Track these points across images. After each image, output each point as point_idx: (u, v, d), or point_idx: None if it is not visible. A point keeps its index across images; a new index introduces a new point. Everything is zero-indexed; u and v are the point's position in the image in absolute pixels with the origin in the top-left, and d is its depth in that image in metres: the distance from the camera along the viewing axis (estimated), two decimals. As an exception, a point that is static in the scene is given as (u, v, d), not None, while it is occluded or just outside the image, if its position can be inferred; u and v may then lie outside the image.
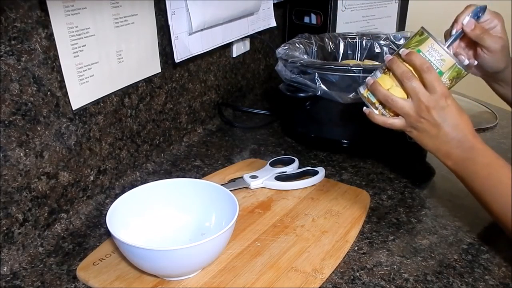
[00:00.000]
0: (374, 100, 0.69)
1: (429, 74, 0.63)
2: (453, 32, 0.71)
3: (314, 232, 0.70)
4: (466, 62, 0.69)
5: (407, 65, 0.65)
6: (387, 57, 0.68)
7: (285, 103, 1.05)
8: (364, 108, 0.70)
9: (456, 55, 0.67)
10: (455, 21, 0.72)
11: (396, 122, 0.67)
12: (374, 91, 0.68)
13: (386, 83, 0.67)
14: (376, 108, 0.69)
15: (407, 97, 0.66)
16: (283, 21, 1.37)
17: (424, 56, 0.65)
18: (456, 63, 0.65)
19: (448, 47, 0.69)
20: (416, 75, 0.65)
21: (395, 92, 0.66)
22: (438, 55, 0.65)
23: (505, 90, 0.78)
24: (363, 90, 0.71)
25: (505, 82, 0.77)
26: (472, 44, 0.74)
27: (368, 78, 0.69)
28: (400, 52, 0.66)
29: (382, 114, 0.69)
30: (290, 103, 1.01)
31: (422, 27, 0.66)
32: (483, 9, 0.71)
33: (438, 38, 0.66)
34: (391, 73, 0.67)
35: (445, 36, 0.73)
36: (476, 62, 0.74)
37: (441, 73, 0.65)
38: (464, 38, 0.72)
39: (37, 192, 0.67)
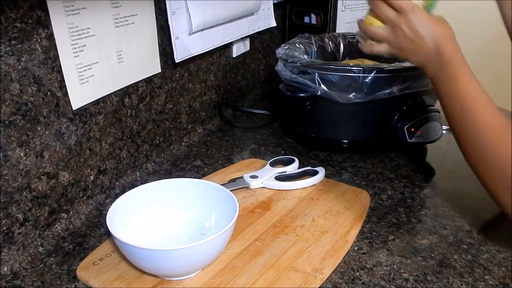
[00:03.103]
0: (365, 35, 0.77)
1: None
2: None
3: (314, 232, 0.70)
4: None
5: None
6: None
7: (285, 103, 1.05)
8: (359, 44, 0.79)
9: None
10: None
11: (381, 48, 0.73)
12: (359, 27, 0.76)
13: (368, 19, 0.75)
14: (366, 41, 0.77)
15: (384, 25, 0.71)
16: (283, 21, 1.37)
17: None
18: None
19: None
20: (385, 3, 0.70)
21: (376, 23, 0.73)
22: None
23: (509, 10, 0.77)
24: (358, 31, 0.78)
25: None
26: None
27: (358, 19, 0.77)
28: None
29: (371, 45, 0.76)
30: (290, 103, 1.01)
31: None
32: None
33: None
34: (370, 11, 0.75)
35: None
36: None
37: None
38: None
39: (37, 192, 0.67)
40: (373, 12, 0.74)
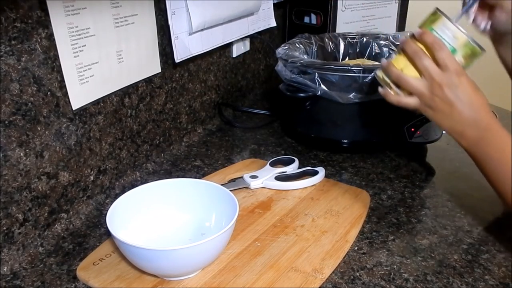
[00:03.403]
0: (389, 81, 0.70)
1: (441, 52, 0.63)
2: None
3: (314, 232, 0.70)
4: (483, 26, 0.70)
5: (419, 44, 0.66)
6: (402, 38, 0.68)
7: (285, 103, 1.05)
8: (380, 88, 0.71)
9: (474, 19, 0.67)
10: None
11: (410, 101, 0.67)
12: (387, 71, 0.69)
13: (400, 64, 0.68)
14: (391, 88, 0.70)
15: (420, 76, 0.66)
16: (283, 21, 1.37)
17: (436, 34, 0.65)
18: (469, 40, 0.65)
19: (463, 14, 0.69)
20: (428, 54, 0.65)
21: (408, 72, 0.67)
22: (450, 33, 0.65)
23: (508, 54, 0.77)
24: (379, 72, 0.72)
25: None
26: (487, 6, 0.73)
27: (384, 60, 0.71)
28: (414, 32, 0.67)
29: (397, 95, 0.69)
30: (290, 103, 1.01)
31: (436, 8, 0.68)
32: None
33: (451, 16, 0.66)
34: (404, 54, 0.68)
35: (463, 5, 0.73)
36: (488, 27, 0.73)
37: (454, 51, 0.65)
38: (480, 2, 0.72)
39: (37, 192, 0.67)
40: (405, 55, 0.67)
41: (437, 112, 0.65)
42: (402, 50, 0.68)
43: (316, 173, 0.84)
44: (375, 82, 0.86)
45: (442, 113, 0.65)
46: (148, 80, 0.87)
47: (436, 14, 0.66)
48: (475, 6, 0.71)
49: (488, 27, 0.73)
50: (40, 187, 0.68)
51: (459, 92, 0.63)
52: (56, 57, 0.67)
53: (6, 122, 0.61)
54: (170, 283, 0.60)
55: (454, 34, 0.64)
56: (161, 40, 0.88)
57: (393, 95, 0.69)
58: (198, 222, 0.68)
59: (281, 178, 0.83)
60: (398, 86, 0.69)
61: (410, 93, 0.67)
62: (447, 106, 0.64)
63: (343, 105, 0.88)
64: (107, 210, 0.61)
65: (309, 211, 0.76)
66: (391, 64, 0.68)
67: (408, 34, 0.68)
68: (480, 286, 0.61)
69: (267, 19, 1.21)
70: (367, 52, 1.12)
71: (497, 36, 0.76)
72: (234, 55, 1.17)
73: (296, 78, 0.92)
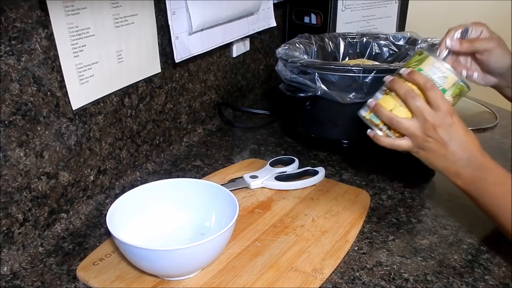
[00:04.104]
0: (377, 121, 0.68)
1: (433, 92, 0.63)
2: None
3: (314, 232, 0.70)
4: (464, 73, 0.71)
5: (409, 84, 0.65)
6: (387, 77, 0.67)
7: (285, 103, 1.05)
8: (368, 131, 0.70)
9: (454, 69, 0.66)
10: (440, 44, 0.72)
11: (403, 143, 0.66)
12: (377, 112, 0.67)
13: (389, 104, 0.66)
14: (380, 130, 0.68)
15: (412, 117, 0.65)
16: (283, 21, 1.37)
17: (426, 75, 0.64)
18: (459, 80, 0.64)
19: (448, 56, 0.70)
20: (420, 94, 0.64)
21: (399, 113, 0.65)
22: (440, 73, 0.64)
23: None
24: (364, 113, 0.70)
25: None
26: (472, 57, 0.74)
27: (370, 100, 0.69)
28: (401, 72, 0.66)
29: (387, 136, 0.68)
30: (290, 103, 1.01)
31: (420, 48, 0.66)
32: (466, 30, 0.72)
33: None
34: (393, 94, 0.66)
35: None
36: (476, 74, 0.74)
37: (444, 91, 0.64)
38: (459, 56, 0.74)
39: (37, 192, 0.67)
40: (394, 95, 0.66)
41: (430, 153, 0.65)
42: (390, 90, 0.67)
43: (316, 173, 0.84)
44: (375, 82, 0.87)
45: (436, 154, 0.64)
46: (148, 80, 0.87)
47: (422, 53, 0.66)
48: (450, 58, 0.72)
49: (474, 75, 0.74)
50: (40, 187, 0.68)
51: (453, 132, 0.63)
52: (56, 57, 0.67)
53: (6, 122, 0.61)
54: (170, 283, 0.60)
55: (444, 74, 0.64)
56: (161, 40, 0.88)
57: (384, 137, 0.68)
58: (198, 222, 0.68)
59: (281, 178, 0.83)
60: (388, 127, 0.67)
61: (401, 134, 0.67)
62: (441, 146, 0.63)
63: (343, 105, 0.88)
64: (107, 210, 0.61)
65: (309, 211, 0.76)
66: (380, 105, 0.67)
67: (394, 74, 0.67)
68: (480, 286, 0.61)
69: (267, 19, 1.21)
70: (367, 52, 1.12)
71: (499, 77, 0.75)
72: (234, 55, 1.17)
73: (296, 78, 0.92)
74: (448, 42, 0.71)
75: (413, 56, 0.67)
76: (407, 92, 0.64)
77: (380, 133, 0.68)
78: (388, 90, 0.67)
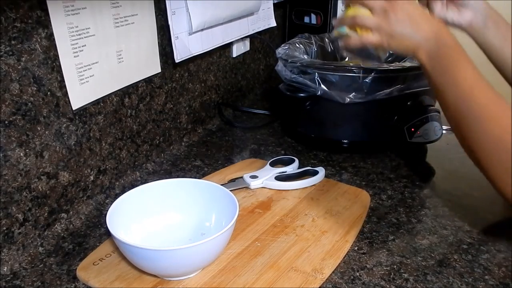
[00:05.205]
0: (345, 31, 0.72)
1: None
2: None
3: (314, 232, 0.70)
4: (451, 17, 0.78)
5: None
6: None
7: (285, 103, 1.05)
8: (340, 43, 0.74)
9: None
10: None
11: (371, 37, 0.69)
12: (343, 22, 0.72)
13: (350, 13, 0.71)
14: (349, 37, 0.72)
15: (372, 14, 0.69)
16: (283, 21, 1.37)
17: None
18: None
19: None
20: None
21: (361, 14, 0.70)
22: None
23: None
24: (335, 32, 0.75)
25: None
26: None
27: (334, 19, 0.75)
28: None
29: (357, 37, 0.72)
30: (290, 103, 1.01)
31: None
32: None
33: None
34: (351, 6, 0.71)
35: None
36: (451, 12, 0.78)
37: None
38: None
39: (37, 192, 0.67)
40: (351, 7, 0.71)
41: (398, 37, 0.66)
42: (347, 5, 0.72)
43: (316, 173, 0.84)
44: (375, 82, 0.87)
45: (402, 36, 0.66)
46: (148, 80, 0.87)
47: None
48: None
49: (457, 17, 0.77)
50: (40, 187, 0.68)
51: (413, 11, 0.65)
52: (56, 57, 0.67)
53: (6, 122, 0.61)
54: (170, 283, 0.60)
55: None
56: (161, 40, 0.88)
57: (354, 38, 0.71)
58: (198, 222, 0.68)
59: (281, 178, 0.83)
60: (355, 31, 0.71)
61: (367, 32, 0.69)
62: (405, 26, 0.65)
63: (343, 105, 0.88)
64: (107, 210, 0.61)
65: (309, 211, 0.76)
66: (342, 18, 0.73)
67: None
68: (480, 286, 0.61)
69: (267, 19, 1.21)
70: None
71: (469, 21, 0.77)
72: (234, 55, 1.17)
73: (296, 78, 0.92)
74: None
75: None
76: None
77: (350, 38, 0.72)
78: (347, 6, 0.72)
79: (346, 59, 1.13)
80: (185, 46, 0.92)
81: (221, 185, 0.69)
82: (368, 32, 0.69)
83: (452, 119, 0.63)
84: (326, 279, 0.62)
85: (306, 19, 1.33)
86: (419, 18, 0.65)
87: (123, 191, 0.74)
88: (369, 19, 0.68)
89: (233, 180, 0.83)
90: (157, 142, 0.94)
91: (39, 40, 0.64)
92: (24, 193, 0.66)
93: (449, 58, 0.62)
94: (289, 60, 0.94)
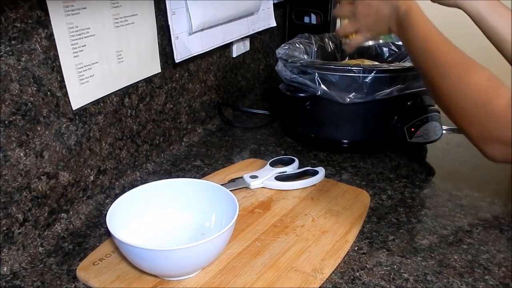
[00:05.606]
0: (344, 41, 0.85)
1: None
2: None
3: (314, 232, 0.70)
4: None
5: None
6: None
7: (285, 103, 1.05)
8: (343, 46, 0.87)
9: None
10: None
11: (358, 38, 0.81)
12: (337, 35, 0.89)
13: (343, 23, 0.84)
14: (347, 43, 0.84)
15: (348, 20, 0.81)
16: (283, 21, 1.37)
17: None
18: None
19: None
20: (343, 5, 0.81)
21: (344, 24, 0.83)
22: None
23: None
24: (343, 45, 0.87)
25: None
26: None
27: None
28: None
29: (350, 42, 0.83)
30: (290, 103, 1.01)
31: None
32: None
33: None
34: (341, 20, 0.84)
35: None
36: None
37: None
38: None
39: (37, 192, 0.67)
40: (342, 20, 0.84)
41: (372, 27, 0.77)
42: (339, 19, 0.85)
43: (316, 173, 0.84)
44: (375, 82, 0.87)
45: (373, 25, 0.76)
46: (148, 80, 0.87)
47: None
48: None
49: None
50: (40, 187, 0.68)
51: (370, 3, 0.75)
52: (56, 57, 0.67)
53: (6, 122, 0.61)
54: (170, 283, 0.60)
55: None
56: (161, 40, 0.88)
57: (348, 43, 0.83)
58: (198, 222, 0.68)
59: (281, 178, 0.83)
60: (348, 37, 0.83)
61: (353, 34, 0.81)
62: (371, 18, 0.76)
63: (343, 105, 0.88)
64: (107, 210, 0.61)
65: (309, 211, 0.76)
66: (338, 29, 0.85)
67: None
68: (480, 286, 0.61)
69: (267, 19, 1.21)
70: (367, 52, 1.12)
71: None
72: (234, 55, 1.17)
73: (296, 78, 0.92)
74: None
75: None
76: (336, 13, 0.84)
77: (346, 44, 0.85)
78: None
79: (346, 59, 1.13)
80: (185, 46, 0.92)
81: (221, 185, 0.69)
82: (356, 35, 0.81)
83: (424, 73, 0.67)
84: (326, 279, 0.62)
85: (306, 19, 1.33)
86: (377, 4, 0.74)
87: (123, 191, 0.74)
88: (347, 25, 0.81)
89: (233, 180, 0.83)
90: (157, 142, 0.94)
91: (39, 40, 0.64)
92: (24, 193, 0.66)
93: (410, 21, 0.68)
94: (289, 60, 0.94)
